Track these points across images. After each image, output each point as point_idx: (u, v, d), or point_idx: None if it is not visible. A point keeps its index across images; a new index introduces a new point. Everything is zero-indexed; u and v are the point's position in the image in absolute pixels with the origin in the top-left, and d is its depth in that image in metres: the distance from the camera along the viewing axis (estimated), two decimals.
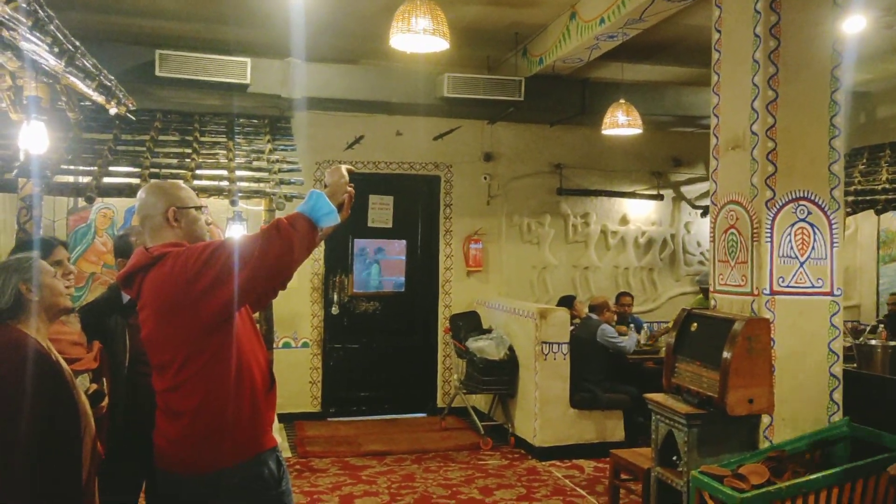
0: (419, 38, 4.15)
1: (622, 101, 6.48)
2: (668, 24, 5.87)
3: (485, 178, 7.99)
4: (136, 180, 5.54)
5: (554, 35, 6.45)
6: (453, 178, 7.99)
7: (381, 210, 7.85)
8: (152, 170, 5.71)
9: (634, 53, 6.86)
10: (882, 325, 6.95)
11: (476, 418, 6.78)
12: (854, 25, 5.79)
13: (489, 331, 7.19)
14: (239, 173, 5.87)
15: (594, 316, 6.62)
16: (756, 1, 3.85)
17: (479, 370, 6.76)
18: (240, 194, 5.55)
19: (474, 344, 6.84)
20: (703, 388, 3.76)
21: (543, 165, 8.19)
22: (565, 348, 6.32)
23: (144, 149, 6.13)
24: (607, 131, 6.66)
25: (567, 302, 7.16)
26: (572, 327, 6.51)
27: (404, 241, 8.09)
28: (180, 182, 2.69)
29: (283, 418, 7.01)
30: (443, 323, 7.88)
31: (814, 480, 3.26)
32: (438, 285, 7.95)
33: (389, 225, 7.88)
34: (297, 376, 7.44)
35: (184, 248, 2.24)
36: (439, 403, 7.83)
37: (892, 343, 4.54)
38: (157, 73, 6.17)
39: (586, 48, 6.10)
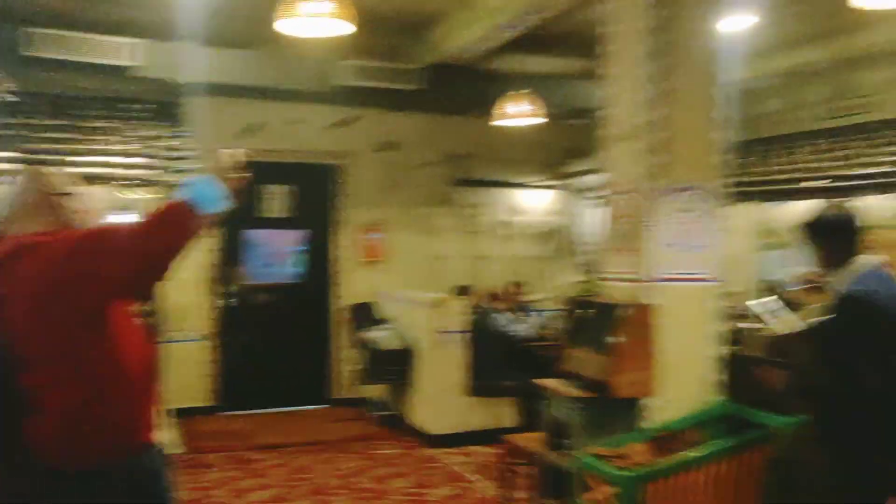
0: (320, 22, 4.04)
1: (522, 91, 6.54)
2: (563, 16, 5.97)
3: (384, 168, 7.93)
4: (7, 165, 5.16)
5: (451, 24, 6.46)
6: (352, 168, 7.88)
7: (277, 199, 7.65)
8: (26, 155, 5.33)
9: (531, 45, 6.95)
10: None
11: (372, 408, 6.73)
12: (738, 22, 6.08)
13: (386, 321, 7.15)
14: (128, 160, 5.57)
15: (488, 305, 6.69)
16: None
17: (375, 360, 6.72)
18: (128, 182, 5.26)
19: (371, 334, 6.79)
20: (592, 372, 3.86)
21: (441, 156, 8.20)
22: (461, 337, 6.36)
23: (14, 132, 5.71)
24: (503, 122, 6.73)
25: (463, 292, 7.21)
26: (468, 316, 6.56)
27: (301, 232, 7.91)
28: (53, 168, 2.51)
29: (176, 413, 6.73)
30: (339, 314, 7.77)
31: (693, 457, 3.40)
32: (335, 276, 7.83)
33: (286, 215, 7.69)
34: (190, 370, 7.15)
35: (58, 237, 2.09)
36: (335, 395, 7.73)
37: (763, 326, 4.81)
38: (24, 52, 5.73)
39: (486, 38, 6.14)
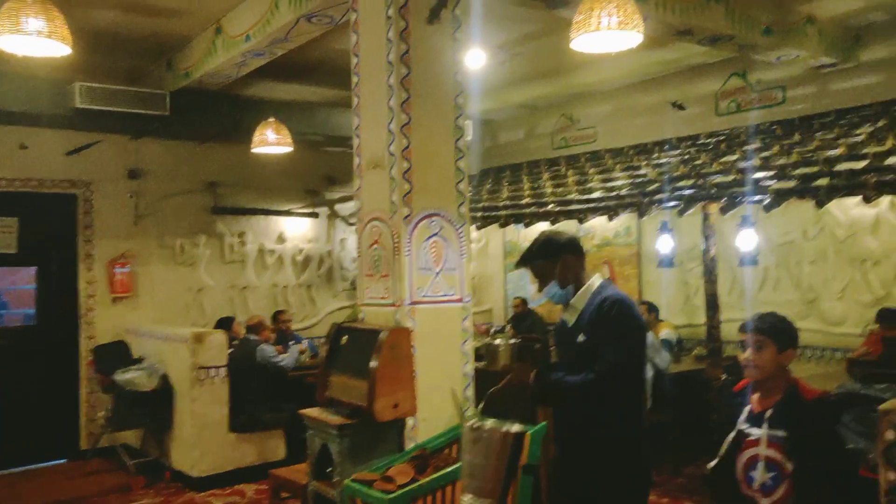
0: (33, 40, 3.69)
1: (272, 119, 6.49)
2: (315, 46, 6.03)
3: (131, 197, 7.41)
4: None
5: (200, 49, 6.24)
6: (93, 197, 7.28)
7: (1, 234, 6.83)
8: None
9: (286, 72, 6.93)
10: (509, 325, 7.95)
11: (126, 456, 6.23)
12: (475, 59, 6.53)
13: (140, 360, 6.67)
14: None
15: (252, 336, 6.51)
16: (388, 29, 4.11)
17: (128, 404, 6.23)
18: None
19: (122, 376, 6.28)
20: (354, 398, 3.89)
21: (196, 183, 7.86)
22: (223, 371, 6.11)
23: None
24: (257, 149, 6.62)
25: (225, 324, 6.94)
26: (230, 349, 6.32)
27: (33, 269, 7.13)
28: None
29: None
30: (85, 356, 7.11)
31: (451, 472, 3.56)
32: (78, 315, 7.15)
33: (14, 250, 6.88)
34: None
35: None
36: (83, 445, 7.03)
37: (512, 340, 5.19)
38: None
39: (234, 64, 6.01)
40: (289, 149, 6.62)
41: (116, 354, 6.84)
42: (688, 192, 5.69)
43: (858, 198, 4.82)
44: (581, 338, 2.88)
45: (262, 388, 6.38)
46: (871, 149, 5.06)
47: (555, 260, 3.01)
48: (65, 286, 7.16)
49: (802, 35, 6.11)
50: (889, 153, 4.84)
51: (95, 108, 6.35)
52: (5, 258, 6.88)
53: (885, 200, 6.05)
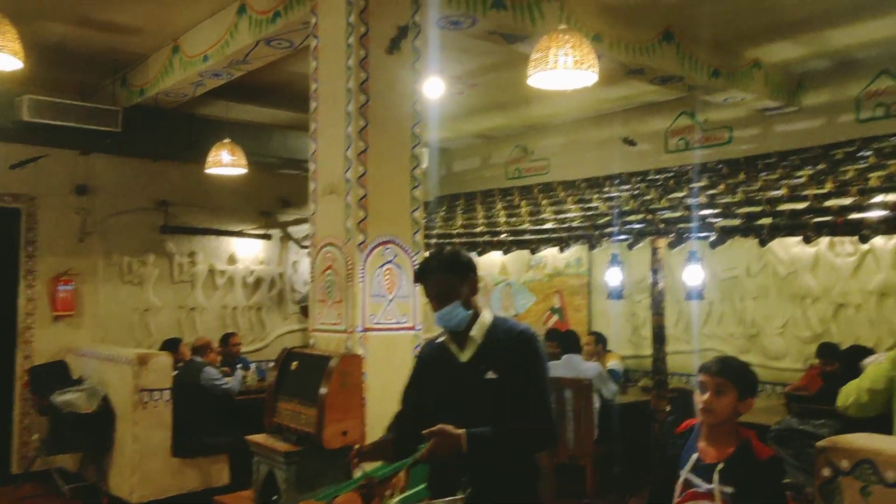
0: None
1: (227, 140, 6.44)
2: (273, 69, 6.04)
3: (77, 213, 7.25)
4: None
5: (156, 67, 6.18)
6: (38, 212, 7.09)
7: None
8: None
9: (243, 93, 6.91)
10: None
11: (61, 481, 6.02)
12: (433, 89, 6.61)
13: (80, 381, 6.48)
14: None
15: (198, 358, 6.39)
16: (348, 57, 4.15)
17: (66, 426, 6.03)
18: None
19: (61, 397, 6.09)
20: (302, 424, 3.86)
21: (147, 202, 7.73)
22: (167, 394, 5.97)
23: None
24: (211, 170, 6.56)
25: (171, 345, 6.80)
26: (175, 372, 6.19)
27: None
28: None
29: None
30: (21, 376, 6.88)
31: (400, 501, 3.53)
32: (16, 334, 6.93)
33: None
34: None
35: None
36: (15, 469, 6.77)
37: None
38: None
39: (191, 83, 5.97)
40: (243, 171, 6.57)
41: (55, 375, 6.63)
42: (637, 226, 5.83)
43: (799, 237, 5.00)
44: (490, 375, 2.55)
45: (207, 412, 6.25)
46: (812, 191, 5.26)
47: (463, 277, 2.66)
48: (7, 303, 6.93)
49: (748, 78, 6.35)
50: (828, 195, 5.04)
51: (43, 121, 6.21)
52: None
53: (825, 240, 6.29)
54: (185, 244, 8.02)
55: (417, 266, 2.72)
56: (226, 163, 6.36)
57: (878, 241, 5.92)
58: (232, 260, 8.35)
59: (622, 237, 5.88)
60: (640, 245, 5.82)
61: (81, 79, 6.73)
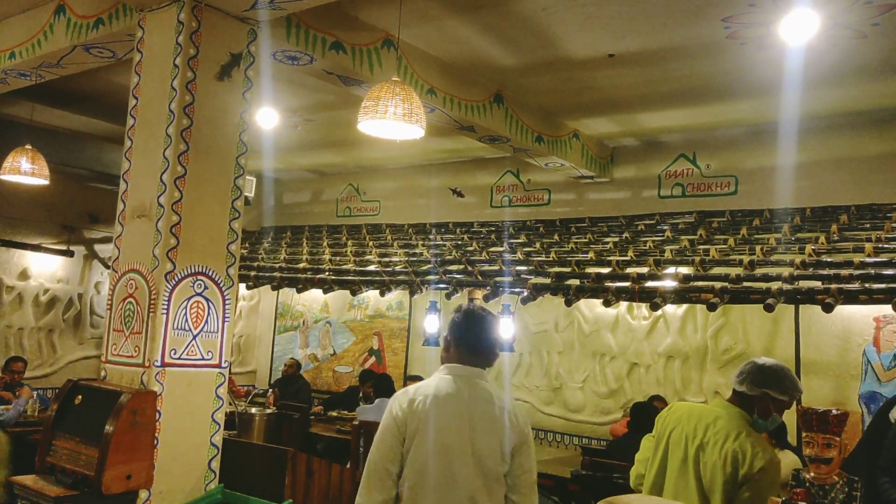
0: None
1: (28, 146, 5.87)
2: (92, 76, 5.65)
3: None
4: None
5: None
6: None
7: None
8: None
9: (54, 97, 6.38)
10: (273, 388, 7.71)
11: None
12: (266, 120, 6.48)
13: None
14: None
15: None
16: (173, 78, 3.95)
17: None
18: None
19: None
20: (81, 466, 3.52)
21: None
22: None
23: None
24: (7, 177, 5.95)
25: None
26: None
27: None
28: None
29: None
30: None
31: None
32: None
33: None
34: None
35: None
36: None
37: (269, 410, 5.01)
38: None
39: None
40: (43, 182, 6.00)
41: None
42: (457, 276, 5.98)
43: (601, 299, 5.35)
44: None
45: None
46: (615, 257, 5.67)
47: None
48: None
49: (568, 147, 6.80)
50: (629, 263, 5.46)
51: None
52: None
53: (624, 304, 6.78)
54: None
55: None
56: (24, 171, 5.79)
57: (669, 308, 6.49)
58: (24, 275, 7.59)
59: (442, 286, 6.00)
60: (457, 294, 5.96)
61: None
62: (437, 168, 8.44)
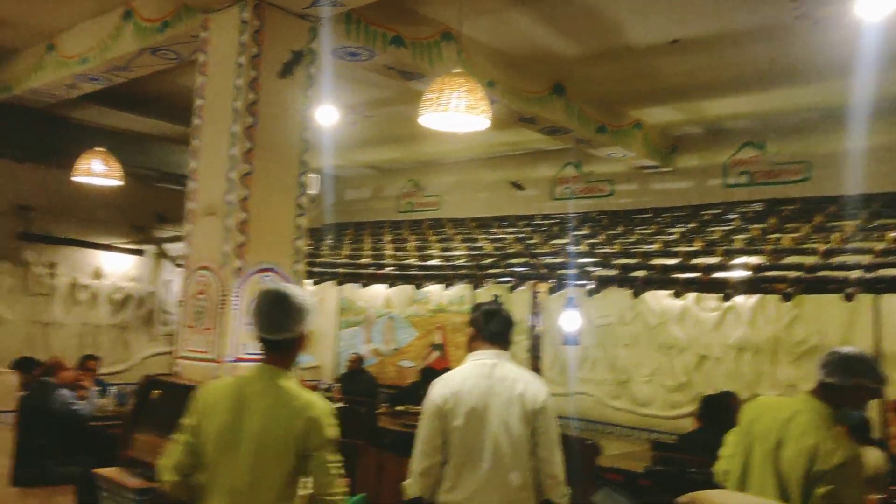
0: None
1: (101, 148, 6.06)
2: (157, 78, 5.78)
3: None
4: None
5: (26, 63, 5.79)
6: None
7: None
8: None
9: (121, 100, 6.56)
10: (339, 383, 7.79)
11: None
12: (326, 117, 6.53)
13: None
14: None
15: (49, 379, 5.91)
16: (237, 77, 4.01)
17: None
18: None
19: None
20: (158, 459, 3.61)
21: (5, 205, 7.16)
22: (10, 417, 5.48)
23: None
24: (80, 178, 6.16)
25: (24, 365, 6.27)
26: (24, 393, 5.70)
27: None
28: None
29: None
30: None
31: None
32: None
33: None
34: None
35: None
36: None
37: (336, 405, 5.04)
38: None
39: (64, 85, 5.62)
40: (117, 182, 6.20)
41: None
42: (520, 269, 5.93)
43: (669, 291, 5.24)
44: None
45: (55, 437, 5.77)
46: (682, 248, 5.53)
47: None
48: None
49: (630, 137, 6.66)
50: (696, 253, 5.32)
51: None
52: None
53: (692, 295, 6.62)
54: (47, 254, 7.46)
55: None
56: (98, 172, 5.98)
57: (739, 299, 6.30)
58: (98, 274, 7.85)
59: (505, 279, 5.96)
60: (521, 288, 5.92)
61: None
62: (497, 161, 8.39)
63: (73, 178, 6.31)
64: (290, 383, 2.37)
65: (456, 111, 3.63)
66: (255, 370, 2.42)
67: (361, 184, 9.71)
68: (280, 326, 2.36)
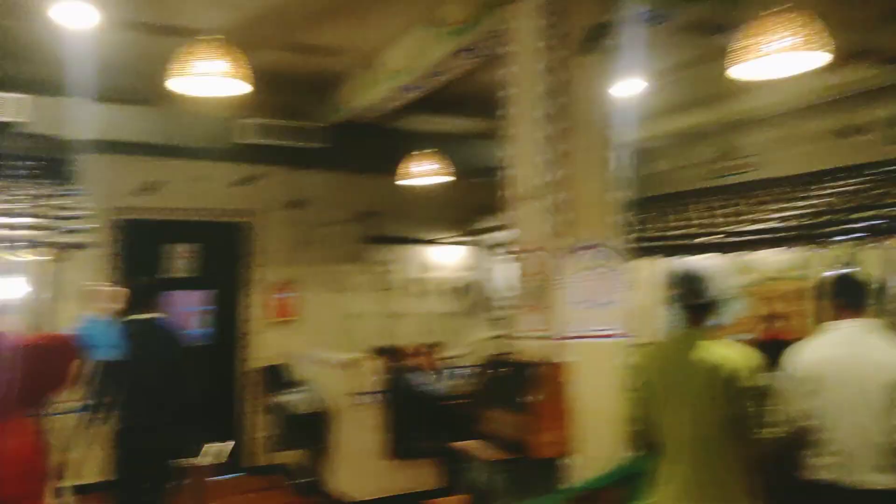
0: (215, 80, 3.99)
1: (429, 150, 6.63)
2: (468, 78, 6.13)
3: (293, 226, 7.82)
4: None
5: (360, 85, 6.51)
6: (260, 226, 7.74)
7: (182, 259, 7.41)
8: None
9: (433, 105, 7.09)
10: None
11: (289, 476, 6.49)
12: (630, 87, 6.38)
13: (300, 383, 6.96)
14: (14, 220, 5.26)
15: (406, 363, 6.62)
16: (542, 61, 4.09)
17: (289, 425, 6.50)
18: (14, 243, 4.96)
19: (285, 398, 6.58)
20: (510, 433, 3.85)
21: (352, 213, 8.17)
22: (377, 398, 6.25)
23: None
24: (416, 180, 6.78)
25: (388, 351, 7.11)
26: (386, 376, 6.46)
27: (209, 292, 7.66)
28: None
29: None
30: (248, 377, 7.52)
31: None
32: (244, 337, 7.59)
33: (192, 274, 7.43)
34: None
35: None
36: (247, 463, 7.40)
37: None
38: None
39: (391, 98, 6.21)
40: (443, 179, 6.73)
41: (279, 376, 7.18)
42: (869, 224, 5.23)
43: None
44: None
45: (415, 416, 6.45)
46: None
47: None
48: (232, 309, 7.63)
49: None
50: None
51: (260, 142, 6.80)
52: (185, 281, 7.41)
53: None
54: (388, 253, 8.38)
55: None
56: (426, 173, 6.56)
57: None
58: (431, 268, 8.61)
59: (858, 235, 5.29)
60: (874, 246, 5.22)
61: (291, 100, 7.25)
62: (818, 109, 7.49)
63: (404, 182, 6.99)
64: (712, 342, 2.72)
65: (780, 51, 3.30)
66: (682, 333, 2.82)
67: (668, 153, 9.35)
68: (698, 294, 2.77)
